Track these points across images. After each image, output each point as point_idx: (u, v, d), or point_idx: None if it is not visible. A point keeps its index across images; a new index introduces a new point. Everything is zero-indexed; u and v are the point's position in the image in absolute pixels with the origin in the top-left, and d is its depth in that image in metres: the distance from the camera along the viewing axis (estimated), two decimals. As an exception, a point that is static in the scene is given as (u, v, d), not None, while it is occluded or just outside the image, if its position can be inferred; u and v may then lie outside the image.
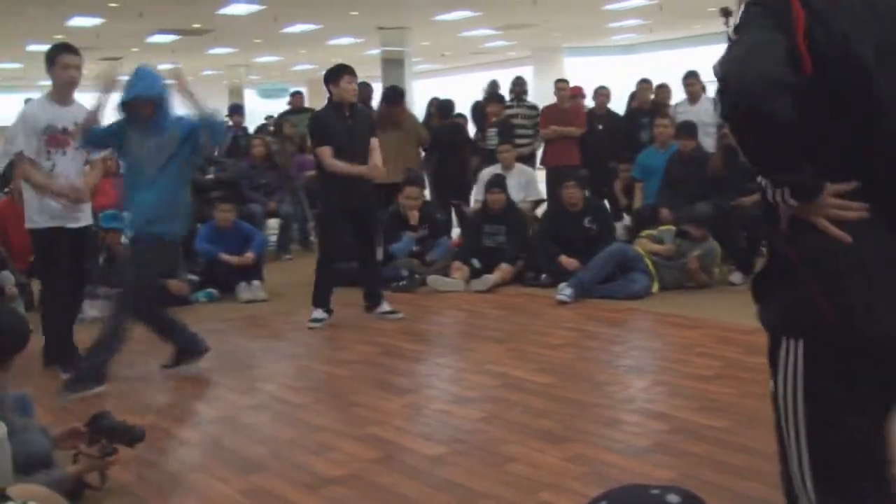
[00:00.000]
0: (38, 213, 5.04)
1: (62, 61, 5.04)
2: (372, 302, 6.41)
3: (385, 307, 6.37)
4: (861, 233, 1.79)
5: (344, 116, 6.09)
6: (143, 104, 4.89)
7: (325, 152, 6.10)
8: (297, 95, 11.98)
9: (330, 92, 6.14)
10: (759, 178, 1.83)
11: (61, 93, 5.12)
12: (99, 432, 3.33)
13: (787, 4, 1.76)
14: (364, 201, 6.19)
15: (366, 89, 10.86)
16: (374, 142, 6.28)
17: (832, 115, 1.80)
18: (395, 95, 9.04)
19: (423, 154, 9.42)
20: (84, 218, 5.21)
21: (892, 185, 1.82)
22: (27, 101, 5.63)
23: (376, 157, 6.23)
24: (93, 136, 5.01)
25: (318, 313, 6.21)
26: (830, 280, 1.80)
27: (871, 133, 1.80)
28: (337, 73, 6.10)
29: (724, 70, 1.74)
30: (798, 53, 1.73)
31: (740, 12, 1.81)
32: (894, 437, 1.94)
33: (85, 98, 5.22)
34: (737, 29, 1.79)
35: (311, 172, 9.92)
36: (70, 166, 5.07)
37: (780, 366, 1.89)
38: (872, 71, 1.77)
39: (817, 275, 1.81)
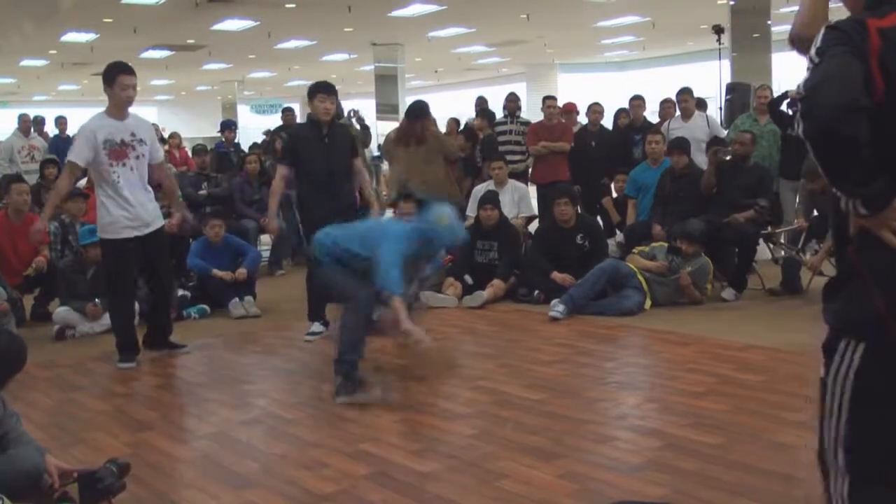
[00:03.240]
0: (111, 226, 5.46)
1: (122, 81, 5.43)
2: None
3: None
4: None
5: (320, 134, 6.11)
6: None
7: (279, 171, 6.29)
8: (289, 112, 12.05)
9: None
10: (834, 189, 1.94)
11: (119, 109, 5.51)
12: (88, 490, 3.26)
13: (864, 31, 1.92)
14: (341, 215, 6.12)
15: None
16: (358, 163, 6.36)
17: None
18: (414, 110, 9.02)
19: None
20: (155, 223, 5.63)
21: None
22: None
23: (361, 180, 6.40)
24: None
25: (316, 327, 6.22)
26: (891, 291, 1.91)
27: None
28: (311, 91, 6.16)
29: (806, 93, 1.88)
30: (872, 77, 1.88)
31: (820, 35, 1.95)
32: None
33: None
34: (818, 52, 1.93)
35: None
36: (131, 177, 5.45)
37: (835, 358, 2.02)
38: None
39: (879, 285, 1.92)
